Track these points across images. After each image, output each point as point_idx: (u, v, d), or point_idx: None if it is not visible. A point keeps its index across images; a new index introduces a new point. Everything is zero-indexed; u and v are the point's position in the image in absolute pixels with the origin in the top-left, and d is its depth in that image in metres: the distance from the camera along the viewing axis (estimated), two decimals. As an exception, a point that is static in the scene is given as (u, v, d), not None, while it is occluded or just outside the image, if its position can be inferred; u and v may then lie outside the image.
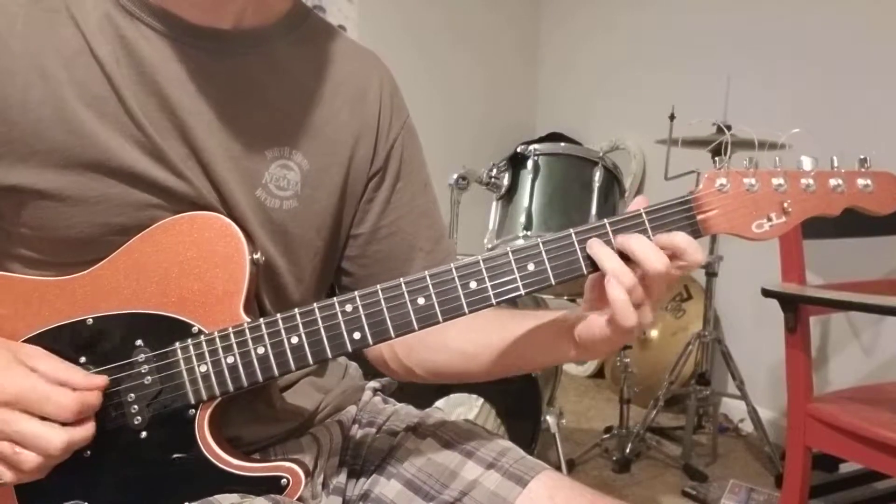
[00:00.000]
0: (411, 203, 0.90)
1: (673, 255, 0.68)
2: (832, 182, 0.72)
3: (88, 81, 0.71)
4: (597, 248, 0.69)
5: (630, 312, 0.66)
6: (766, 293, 1.62)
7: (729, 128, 2.26)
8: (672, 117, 2.24)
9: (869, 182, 0.73)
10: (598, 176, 1.88)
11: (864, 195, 0.73)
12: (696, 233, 0.70)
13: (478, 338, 0.82)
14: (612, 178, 1.94)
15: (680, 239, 0.68)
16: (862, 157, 0.73)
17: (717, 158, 0.71)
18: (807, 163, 0.72)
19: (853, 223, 1.72)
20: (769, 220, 0.71)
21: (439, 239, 0.92)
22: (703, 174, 0.71)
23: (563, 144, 1.97)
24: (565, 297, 2.07)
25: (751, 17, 2.62)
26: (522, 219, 1.86)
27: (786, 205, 0.71)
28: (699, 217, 0.71)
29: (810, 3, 2.44)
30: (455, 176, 1.93)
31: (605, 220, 0.70)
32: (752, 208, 0.71)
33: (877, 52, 2.24)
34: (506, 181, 1.93)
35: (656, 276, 0.67)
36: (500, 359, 0.81)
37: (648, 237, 0.69)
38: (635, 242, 0.68)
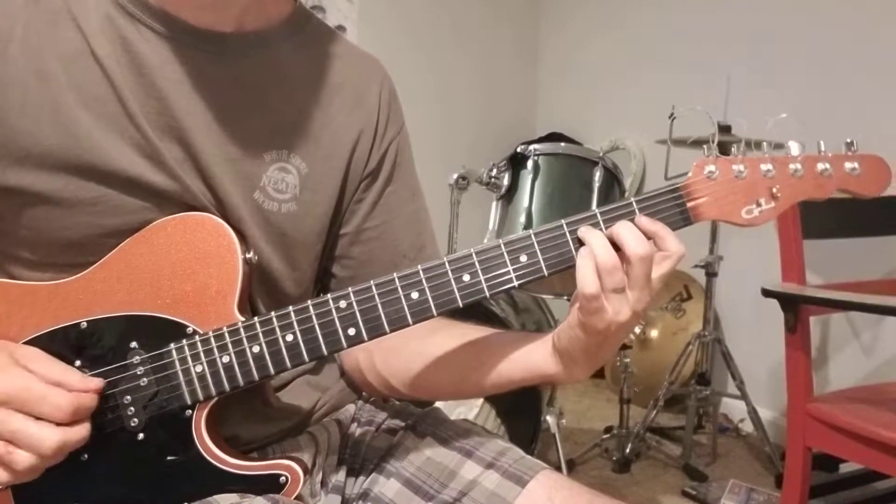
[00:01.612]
0: (399, 209, 0.90)
1: (655, 243, 0.69)
2: (820, 166, 0.73)
3: (88, 82, 0.71)
4: (586, 231, 0.69)
5: (589, 277, 0.67)
6: (766, 293, 1.62)
7: (724, 124, 2.27)
8: (672, 117, 2.24)
9: (856, 165, 0.73)
10: (598, 176, 1.87)
11: (851, 178, 0.73)
12: (686, 220, 0.71)
13: (457, 347, 0.82)
14: (612, 178, 1.93)
15: (661, 226, 0.69)
16: (848, 140, 0.74)
17: (705, 146, 0.72)
18: (794, 148, 0.73)
19: (853, 223, 1.74)
20: (758, 205, 0.72)
21: (422, 248, 0.92)
22: (693, 162, 0.72)
23: (563, 144, 1.97)
24: (565, 297, 2.07)
25: (751, 17, 2.62)
26: (522, 219, 1.86)
27: (774, 190, 0.72)
28: (689, 204, 0.71)
29: (810, 2, 2.43)
30: (455, 176, 1.93)
31: (596, 210, 0.70)
32: (741, 194, 0.72)
33: (877, 51, 2.24)
34: (506, 181, 1.92)
35: (637, 261, 0.67)
36: (477, 371, 0.80)
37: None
38: (619, 226, 0.68)
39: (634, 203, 0.70)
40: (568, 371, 0.75)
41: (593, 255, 0.67)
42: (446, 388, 0.86)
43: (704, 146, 0.72)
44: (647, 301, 0.69)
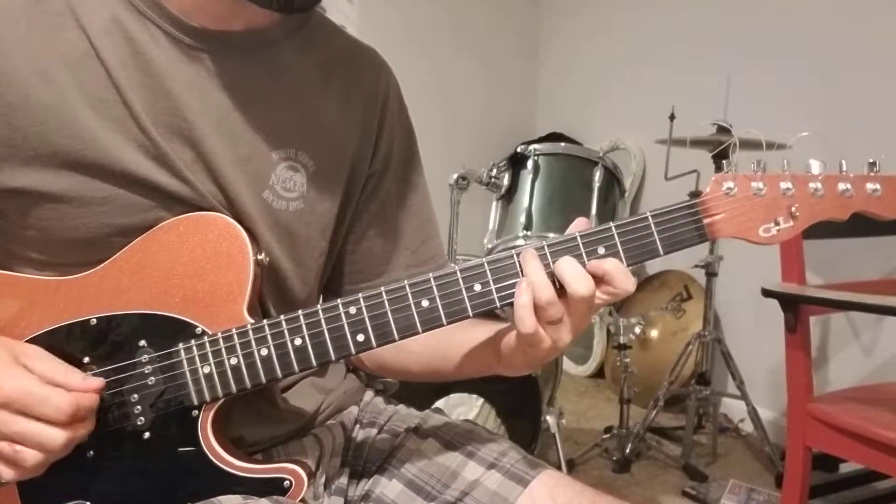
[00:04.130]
0: (403, 202, 0.91)
1: (602, 281, 0.68)
2: (841, 186, 0.71)
3: (93, 84, 0.71)
4: (528, 260, 0.69)
5: (526, 318, 0.67)
6: (766, 293, 1.62)
7: (729, 129, 2.27)
8: (672, 117, 2.25)
9: (878, 186, 0.71)
10: (598, 176, 1.88)
11: (872, 200, 0.71)
12: (702, 236, 0.70)
13: (424, 343, 0.81)
14: (612, 178, 1.94)
15: (610, 265, 0.68)
16: (871, 160, 0.72)
17: (724, 161, 0.71)
18: (815, 166, 0.71)
19: (853, 223, 1.73)
20: (777, 224, 0.71)
21: (426, 240, 0.92)
22: (711, 178, 0.71)
23: (563, 144, 1.97)
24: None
25: (751, 17, 2.62)
26: (522, 219, 1.86)
27: (793, 209, 0.70)
28: (706, 221, 0.70)
29: (810, 3, 2.44)
30: (455, 176, 1.93)
31: (611, 224, 0.70)
32: (759, 212, 0.71)
33: (877, 51, 2.24)
34: (506, 181, 1.93)
35: (579, 300, 0.67)
36: (437, 360, 0.84)
37: (655, 241, 0.69)
38: (565, 265, 0.68)
39: (650, 217, 0.70)
40: (514, 371, 0.76)
41: (531, 291, 0.67)
42: (407, 374, 0.90)
43: (724, 161, 0.71)
44: (588, 322, 0.70)
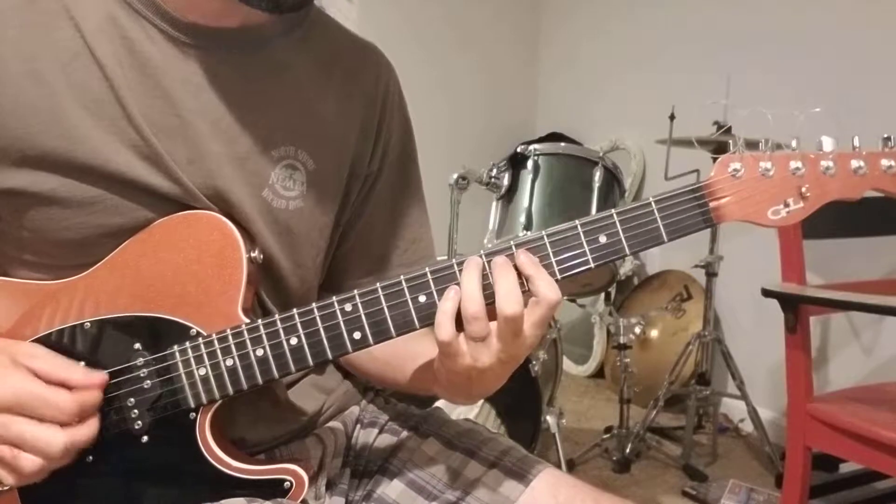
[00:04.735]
0: (398, 200, 0.90)
1: (528, 284, 0.67)
2: (853, 164, 0.68)
3: (87, 84, 0.70)
4: (467, 269, 0.68)
5: (444, 325, 0.66)
6: (766, 293, 1.62)
7: (725, 127, 2.26)
8: (672, 117, 2.24)
9: (893, 163, 0.68)
10: (598, 176, 1.88)
11: (886, 177, 0.68)
12: (708, 221, 0.68)
13: (383, 349, 0.80)
14: (612, 178, 1.94)
15: (538, 269, 0.67)
16: (886, 136, 0.69)
17: (730, 141, 0.69)
18: (827, 143, 0.68)
19: (853, 223, 1.74)
20: (786, 205, 0.68)
21: (416, 240, 0.92)
22: (718, 159, 0.68)
23: (563, 144, 1.97)
24: (565, 298, 2.07)
25: (751, 16, 2.62)
26: (522, 219, 1.86)
27: (804, 189, 0.67)
28: (711, 205, 0.68)
29: (810, 3, 2.44)
30: (455, 176, 1.92)
31: (613, 210, 0.68)
32: (768, 194, 0.67)
33: (877, 51, 2.24)
34: (506, 181, 1.93)
35: (504, 319, 0.65)
36: (394, 373, 0.85)
37: (658, 227, 0.68)
38: (501, 280, 0.66)
39: (653, 203, 0.68)
40: (449, 395, 0.76)
41: (457, 300, 0.67)
42: (373, 376, 0.91)
43: (730, 140, 0.69)
44: (520, 350, 0.68)
